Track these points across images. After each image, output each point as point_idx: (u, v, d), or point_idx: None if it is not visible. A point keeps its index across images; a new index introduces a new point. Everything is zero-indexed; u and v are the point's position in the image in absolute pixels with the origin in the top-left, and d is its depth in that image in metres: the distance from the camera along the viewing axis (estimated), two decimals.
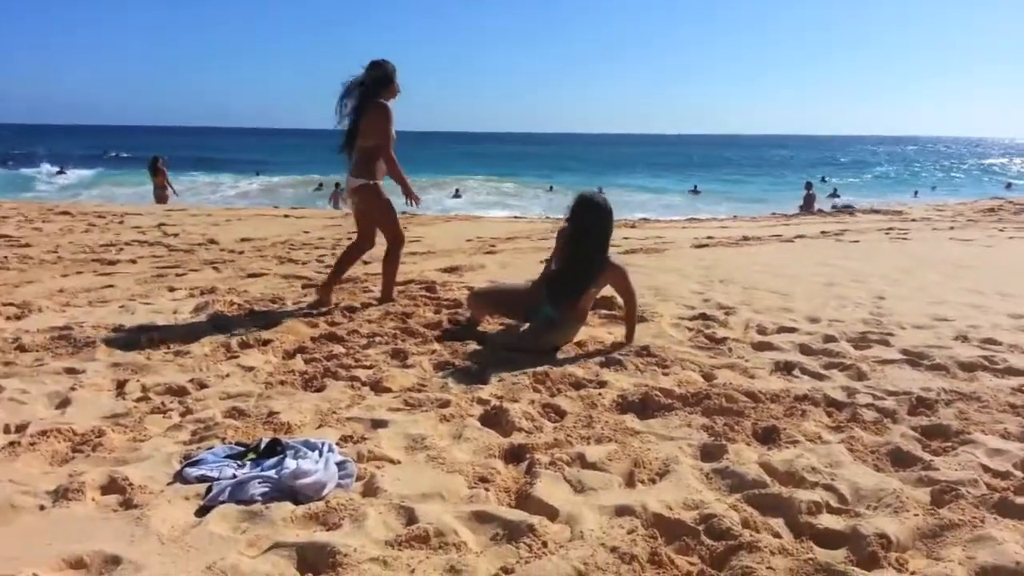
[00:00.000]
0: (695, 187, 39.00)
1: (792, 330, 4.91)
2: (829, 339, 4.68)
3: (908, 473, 2.89)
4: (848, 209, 17.61)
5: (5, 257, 7.83)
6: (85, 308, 5.57)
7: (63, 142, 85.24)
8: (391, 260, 5.64)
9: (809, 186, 21.48)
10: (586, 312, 4.81)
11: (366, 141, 5.29)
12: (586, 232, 4.55)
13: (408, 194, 5.49)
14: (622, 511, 2.55)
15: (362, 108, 5.27)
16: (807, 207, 19.96)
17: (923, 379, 3.97)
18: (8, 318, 5.21)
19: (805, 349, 4.51)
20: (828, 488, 2.73)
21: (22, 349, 4.43)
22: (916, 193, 28.88)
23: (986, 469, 2.89)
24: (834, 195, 21.88)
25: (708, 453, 3.06)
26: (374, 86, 5.26)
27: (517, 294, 4.90)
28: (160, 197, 18.10)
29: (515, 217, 14.98)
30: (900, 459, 3.00)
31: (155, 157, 19.04)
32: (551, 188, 38.21)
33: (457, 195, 35.43)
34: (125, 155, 62.43)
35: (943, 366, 4.14)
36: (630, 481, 2.81)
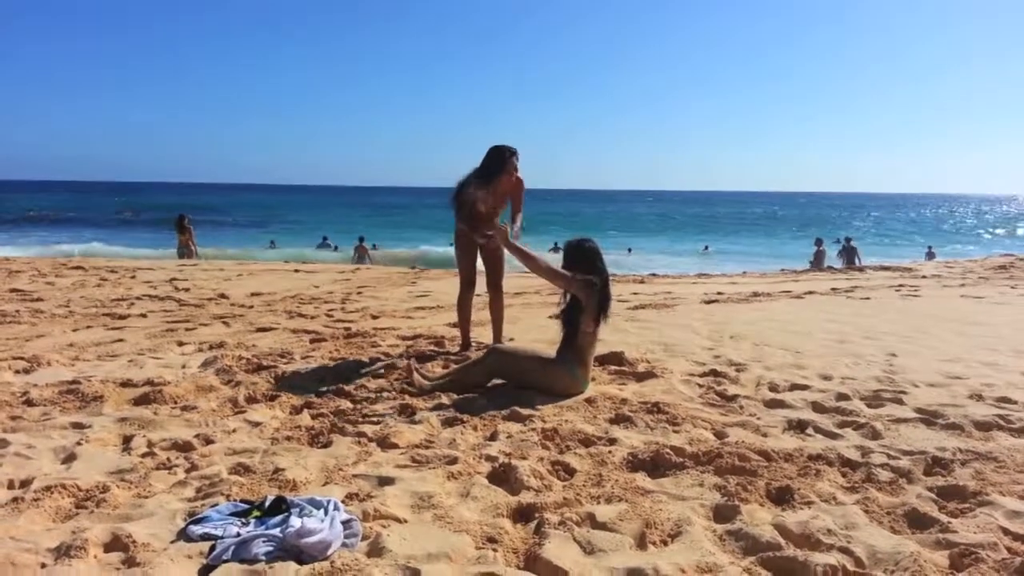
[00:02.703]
0: (706, 247, 38.98)
1: (804, 387, 4.86)
2: (842, 397, 4.63)
3: (925, 535, 2.82)
4: (856, 267, 17.58)
5: (17, 311, 7.89)
6: (94, 362, 5.58)
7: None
8: (458, 301, 5.99)
9: (819, 242, 21.52)
10: (583, 351, 4.73)
11: None
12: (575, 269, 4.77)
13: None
14: (633, 574, 2.49)
15: None
16: (817, 264, 19.97)
17: (938, 438, 3.91)
18: (17, 372, 5.22)
19: (818, 407, 4.46)
20: (844, 551, 2.66)
21: (30, 403, 4.43)
22: (930, 252, 28.21)
23: (1006, 532, 2.82)
24: (848, 243, 21.58)
25: (721, 514, 2.99)
26: None
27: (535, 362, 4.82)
28: (184, 254, 18.53)
29: (525, 272, 15.01)
30: (917, 521, 2.93)
31: (181, 215, 19.46)
32: (556, 246, 38.27)
33: None
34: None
35: (958, 425, 4.07)
36: (641, 543, 2.75)
